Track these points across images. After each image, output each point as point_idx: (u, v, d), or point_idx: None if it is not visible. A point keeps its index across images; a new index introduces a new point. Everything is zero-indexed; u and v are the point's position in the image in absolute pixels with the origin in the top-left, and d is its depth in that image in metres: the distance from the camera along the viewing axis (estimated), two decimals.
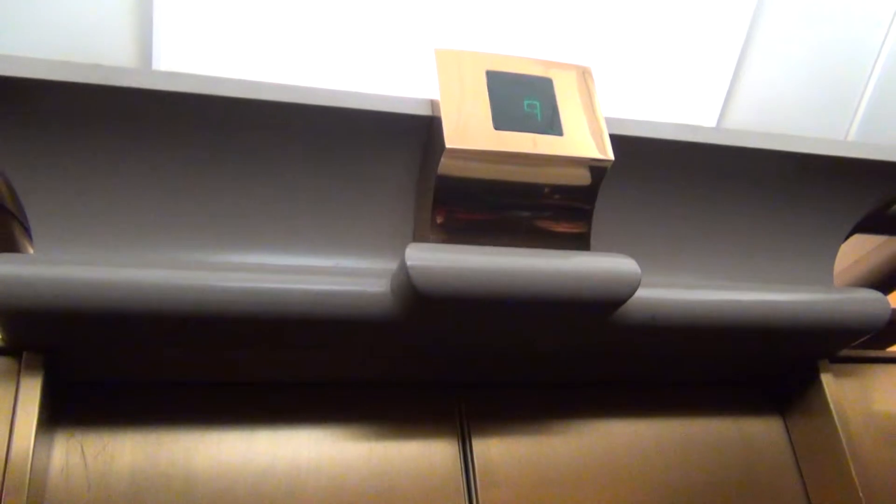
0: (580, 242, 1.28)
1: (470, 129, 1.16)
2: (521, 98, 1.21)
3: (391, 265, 1.16)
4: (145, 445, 1.19)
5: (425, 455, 1.31)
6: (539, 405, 1.43)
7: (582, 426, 1.43)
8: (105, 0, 1.17)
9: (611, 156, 1.21)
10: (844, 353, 1.56)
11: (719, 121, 1.50)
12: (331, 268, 1.22)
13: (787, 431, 1.56)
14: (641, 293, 1.22)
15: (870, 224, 1.62)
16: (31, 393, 1.08)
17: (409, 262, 1.08)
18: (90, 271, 1.04)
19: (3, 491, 1.02)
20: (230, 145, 1.18)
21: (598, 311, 1.21)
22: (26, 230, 1.15)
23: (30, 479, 1.03)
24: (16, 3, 1.14)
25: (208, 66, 1.23)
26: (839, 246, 1.56)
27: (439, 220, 1.21)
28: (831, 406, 1.48)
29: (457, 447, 1.34)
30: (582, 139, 1.21)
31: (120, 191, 1.15)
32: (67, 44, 1.16)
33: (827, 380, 1.51)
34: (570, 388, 1.46)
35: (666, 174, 1.39)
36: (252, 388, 1.29)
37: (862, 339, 1.48)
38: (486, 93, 1.20)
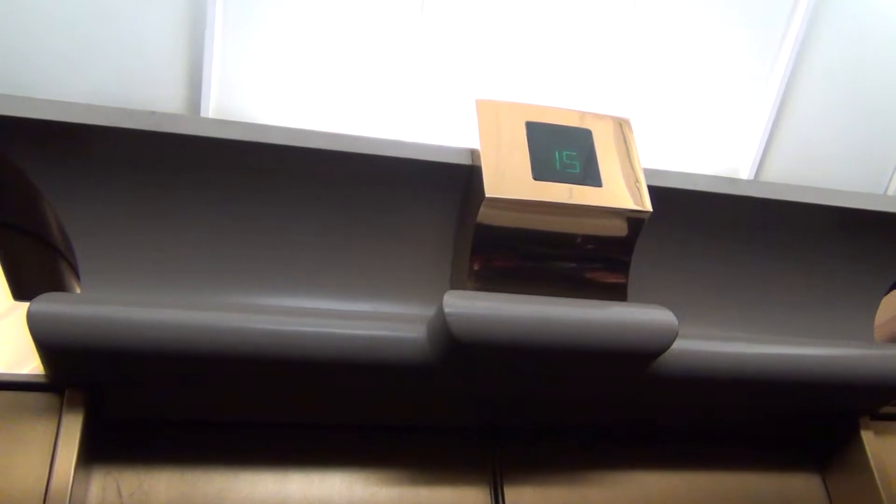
0: (617, 293, 1.27)
1: (509, 179, 1.17)
2: (559, 149, 1.23)
3: (428, 311, 1.17)
4: (180, 484, 1.20)
5: (457, 502, 1.30)
6: (573, 455, 1.41)
7: (616, 477, 1.41)
8: (157, 49, 1.21)
9: (649, 207, 1.21)
10: (886, 409, 1.52)
11: (758, 172, 1.50)
12: (368, 312, 1.23)
13: (827, 489, 1.52)
14: (679, 345, 1.21)
15: None
16: (72, 429, 1.10)
17: (446, 309, 1.08)
18: (135, 311, 1.06)
19: None
20: (275, 191, 1.21)
21: (634, 362, 1.21)
22: (74, 269, 1.18)
23: None
24: (70, 51, 1.18)
25: (254, 114, 1.26)
26: (880, 300, 1.54)
27: (477, 267, 1.21)
28: (872, 464, 1.44)
29: (489, 495, 1.32)
30: (620, 190, 1.22)
31: (165, 233, 1.18)
32: (121, 91, 1.20)
33: (868, 437, 1.47)
34: (605, 438, 1.45)
35: (704, 226, 1.39)
36: (287, 429, 1.29)
37: None
38: (526, 143, 1.21)
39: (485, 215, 1.17)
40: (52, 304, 1.04)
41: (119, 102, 1.17)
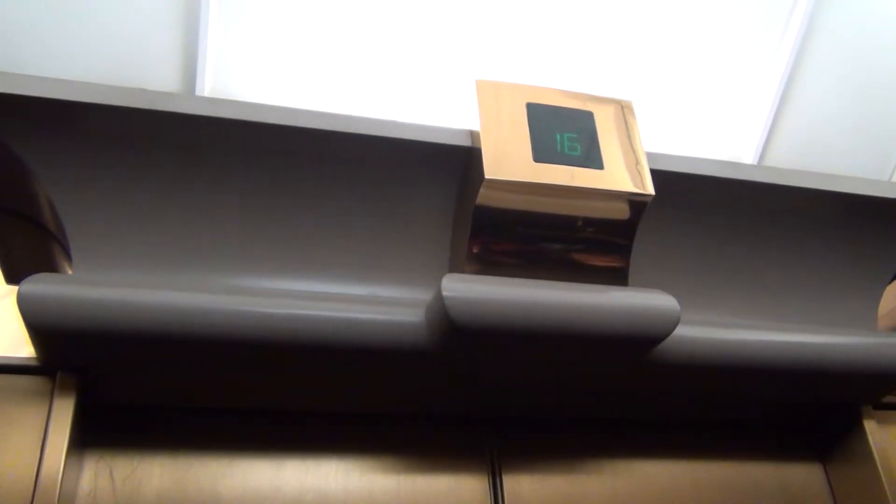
0: (618, 277, 1.26)
1: (509, 161, 1.15)
2: (561, 131, 1.21)
3: (427, 295, 1.15)
4: (174, 471, 1.18)
5: (454, 490, 1.29)
6: (572, 443, 1.40)
7: (616, 466, 1.40)
8: (152, 28, 1.19)
9: (651, 190, 1.20)
10: (888, 399, 1.51)
11: (761, 157, 1.48)
12: (366, 296, 1.22)
13: (828, 479, 1.51)
14: (680, 331, 1.19)
15: None
16: (63, 413, 1.08)
17: (445, 293, 1.07)
18: (127, 293, 1.04)
19: None
20: (270, 172, 1.19)
21: (635, 348, 1.19)
22: (66, 250, 1.17)
23: (59, 500, 1.02)
24: (65, 28, 1.16)
25: (251, 94, 1.25)
26: (884, 288, 1.53)
27: (476, 250, 1.20)
28: (874, 454, 1.43)
29: (487, 483, 1.31)
30: (621, 173, 1.20)
31: (158, 214, 1.16)
32: (115, 70, 1.18)
33: (870, 426, 1.46)
34: (605, 426, 1.43)
35: (706, 210, 1.37)
36: (282, 416, 1.27)
37: None
38: (526, 125, 1.20)
39: (484, 197, 1.16)
40: (42, 286, 1.03)
41: (113, 81, 1.15)
